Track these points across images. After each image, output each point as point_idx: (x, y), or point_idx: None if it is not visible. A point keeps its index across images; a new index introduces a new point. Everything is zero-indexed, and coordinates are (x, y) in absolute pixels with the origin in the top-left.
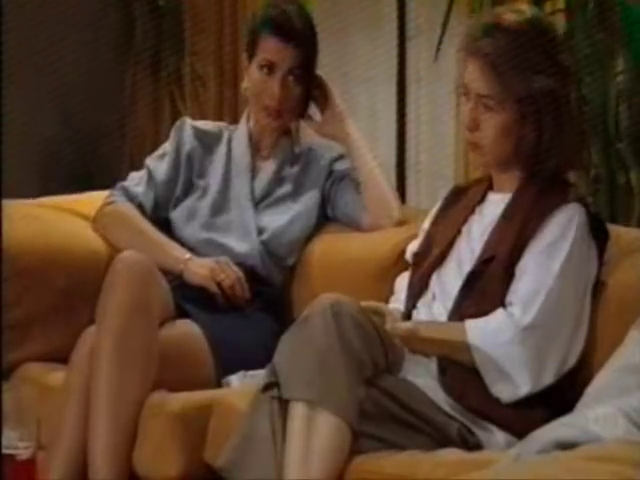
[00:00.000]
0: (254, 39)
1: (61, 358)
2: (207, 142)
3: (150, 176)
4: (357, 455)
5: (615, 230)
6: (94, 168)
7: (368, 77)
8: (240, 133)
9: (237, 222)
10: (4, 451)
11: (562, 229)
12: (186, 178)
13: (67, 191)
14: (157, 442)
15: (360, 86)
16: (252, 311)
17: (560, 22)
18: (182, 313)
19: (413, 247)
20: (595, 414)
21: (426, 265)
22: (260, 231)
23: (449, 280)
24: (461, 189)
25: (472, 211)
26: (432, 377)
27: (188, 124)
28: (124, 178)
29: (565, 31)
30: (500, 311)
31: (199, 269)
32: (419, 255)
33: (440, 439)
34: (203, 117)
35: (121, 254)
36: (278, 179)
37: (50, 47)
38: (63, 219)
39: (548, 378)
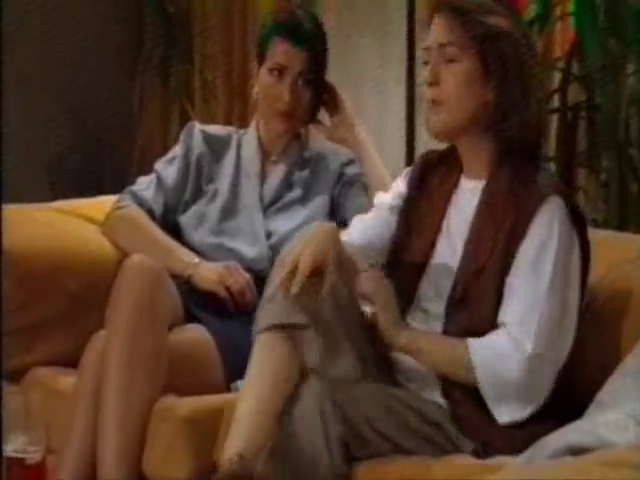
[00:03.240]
0: (264, 43)
1: (70, 362)
2: (216, 147)
3: (159, 181)
4: (368, 459)
5: (622, 237)
6: (103, 173)
7: (377, 79)
8: (249, 138)
9: (246, 227)
10: (14, 455)
11: (546, 233)
12: (195, 183)
13: (76, 196)
14: (166, 446)
15: (369, 88)
16: None
17: (570, 26)
18: (191, 318)
19: (386, 199)
20: (605, 419)
21: (410, 270)
22: (269, 235)
23: (438, 283)
24: (430, 165)
25: (448, 200)
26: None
27: (197, 128)
28: (133, 183)
29: (575, 35)
30: (503, 334)
31: (208, 274)
32: (398, 248)
33: (453, 450)
34: (212, 122)
35: (130, 258)
36: (288, 184)
37: (59, 52)
38: (72, 223)
39: (546, 392)
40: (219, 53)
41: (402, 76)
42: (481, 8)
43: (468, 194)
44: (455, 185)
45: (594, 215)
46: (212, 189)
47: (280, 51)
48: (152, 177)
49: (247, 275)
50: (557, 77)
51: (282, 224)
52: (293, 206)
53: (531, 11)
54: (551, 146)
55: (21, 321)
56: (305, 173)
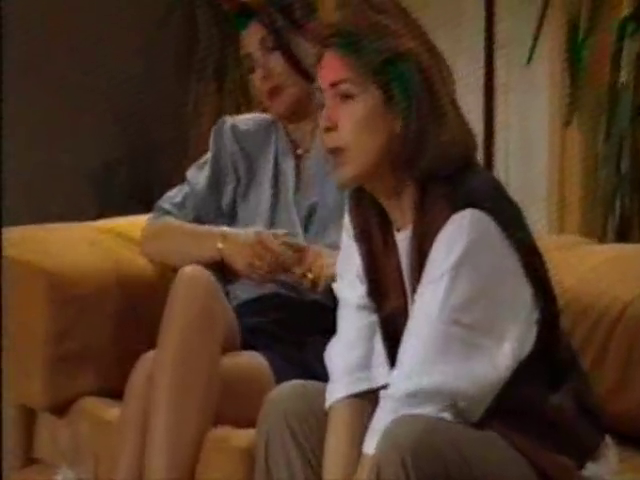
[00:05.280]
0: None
1: (118, 391)
2: (250, 147)
3: (189, 187)
4: None
5: None
6: (155, 186)
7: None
8: (282, 133)
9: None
10: None
11: (445, 252)
12: (231, 198)
13: (126, 211)
14: (221, 479)
15: None
16: (320, 345)
17: None
18: (247, 344)
19: (349, 294)
20: None
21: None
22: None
23: None
24: (366, 230)
25: (396, 260)
26: None
27: (228, 126)
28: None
29: None
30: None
31: (238, 249)
32: (387, 328)
33: None
34: None
35: (182, 271)
36: (321, 189)
37: (108, 58)
38: (117, 243)
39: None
40: None
41: (480, 80)
42: (376, 30)
43: (401, 248)
44: (393, 239)
45: None
46: (251, 205)
47: (242, 39)
48: (183, 185)
49: (278, 247)
50: None
51: (326, 237)
52: (334, 211)
53: (624, 9)
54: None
55: (64, 348)
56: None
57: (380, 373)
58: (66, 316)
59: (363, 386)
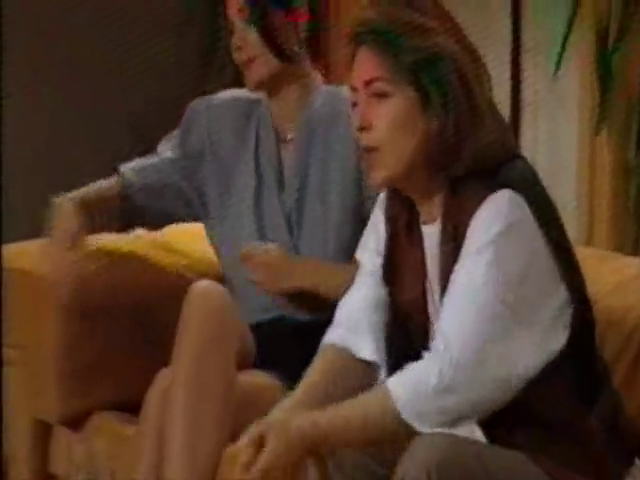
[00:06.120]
0: None
1: (134, 404)
2: (226, 140)
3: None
4: None
5: None
6: None
7: None
8: (266, 114)
9: None
10: None
11: (484, 229)
12: (204, 197)
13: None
14: None
15: None
16: None
17: None
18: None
19: (366, 259)
20: None
21: (416, 335)
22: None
23: None
24: (395, 216)
25: (423, 253)
26: None
27: (204, 117)
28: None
29: None
30: (425, 357)
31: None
32: (397, 309)
33: None
34: None
35: (195, 287)
36: (305, 172)
37: (127, 60)
38: (134, 255)
39: (478, 406)
40: None
41: (507, 92)
42: (413, 29)
43: (428, 242)
44: (420, 232)
45: None
46: (234, 211)
47: (226, 3)
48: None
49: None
50: None
51: (313, 247)
52: (316, 213)
53: None
54: None
55: (77, 360)
56: (319, 144)
57: (367, 346)
58: (78, 328)
59: (349, 345)
